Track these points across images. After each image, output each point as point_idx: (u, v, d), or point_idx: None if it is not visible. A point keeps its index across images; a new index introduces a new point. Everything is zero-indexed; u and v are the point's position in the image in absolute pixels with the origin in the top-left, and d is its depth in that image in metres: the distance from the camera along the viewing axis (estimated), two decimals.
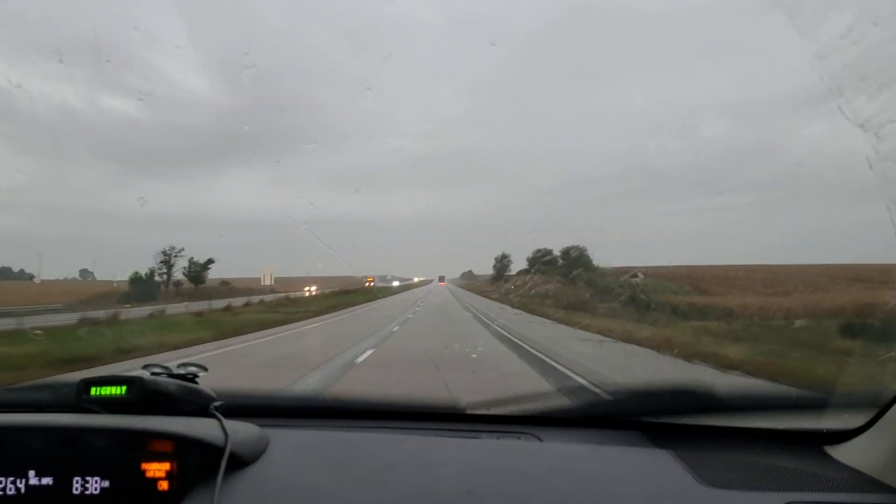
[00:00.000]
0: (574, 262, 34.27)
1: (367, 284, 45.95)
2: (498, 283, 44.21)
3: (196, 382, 1.27)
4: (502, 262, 45.53)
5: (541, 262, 42.15)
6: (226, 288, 36.78)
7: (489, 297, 32.80)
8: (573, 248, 35.72)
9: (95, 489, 0.98)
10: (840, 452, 1.19)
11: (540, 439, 1.36)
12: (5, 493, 0.99)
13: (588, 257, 35.10)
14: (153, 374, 1.22)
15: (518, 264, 46.56)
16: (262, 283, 48.99)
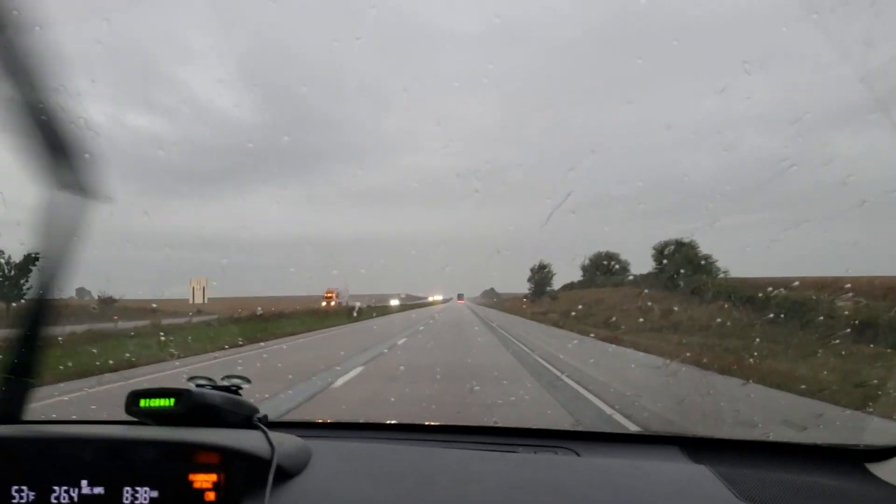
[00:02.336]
0: (684, 268, 20.47)
1: (323, 304, 31.99)
2: (539, 299, 30.27)
3: (239, 394, 1.26)
4: (542, 274, 31.56)
5: (603, 270, 28.51)
6: (95, 309, 22.34)
7: (557, 325, 18.06)
8: (681, 244, 21.69)
9: (145, 499, 1.00)
10: (882, 470, 1.14)
11: (577, 454, 1.34)
12: (59, 503, 1.01)
13: (708, 260, 21.32)
14: (198, 386, 1.23)
15: (559, 277, 33.72)
16: (192, 302, 34.80)
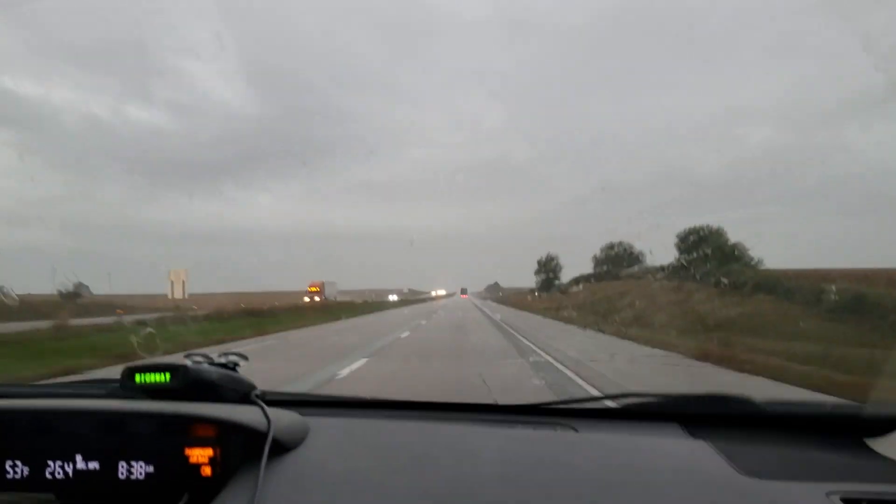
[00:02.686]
0: (714, 258, 18.38)
1: (306, 300, 29.74)
2: (547, 292, 28.13)
3: (236, 371, 1.26)
4: (550, 267, 29.40)
5: (617, 262, 26.41)
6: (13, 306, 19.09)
7: (587, 326, 15.55)
8: (709, 231, 19.55)
9: (140, 474, 1.00)
10: (881, 444, 1.16)
11: (576, 430, 1.34)
12: (54, 477, 1.00)
13: (740, 249, 19.22)
14: (195, 362, 1.22)
15: (567, 270, 31.82)
16: (171, 297, 32.29)
